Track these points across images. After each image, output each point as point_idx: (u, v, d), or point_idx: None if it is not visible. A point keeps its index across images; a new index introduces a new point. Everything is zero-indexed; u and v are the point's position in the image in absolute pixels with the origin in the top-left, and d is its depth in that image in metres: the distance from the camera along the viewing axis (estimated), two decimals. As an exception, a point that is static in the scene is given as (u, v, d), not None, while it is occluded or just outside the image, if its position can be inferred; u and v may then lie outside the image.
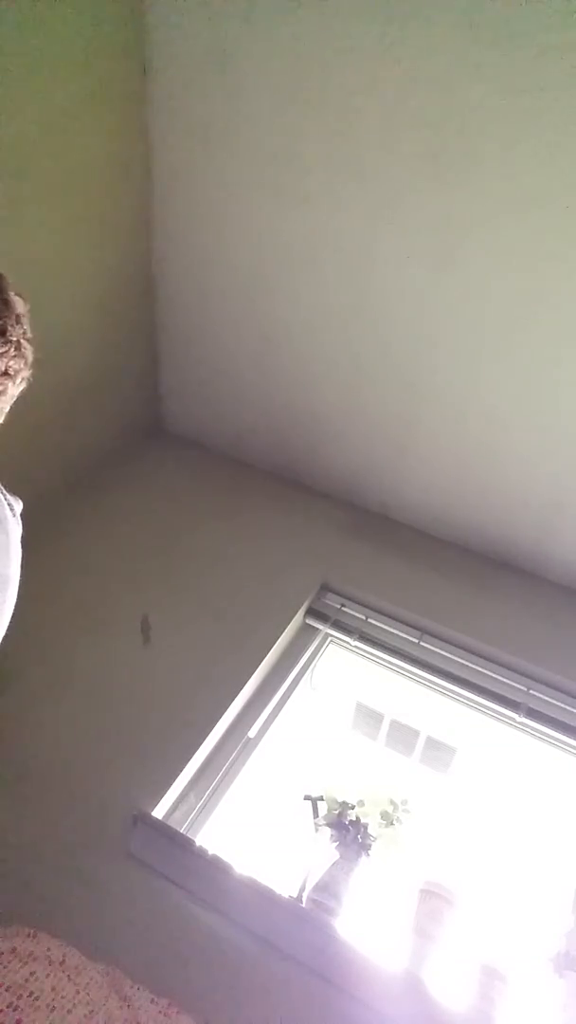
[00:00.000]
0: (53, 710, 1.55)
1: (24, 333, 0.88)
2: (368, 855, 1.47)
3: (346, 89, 1.53)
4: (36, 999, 1.05)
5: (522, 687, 1.77)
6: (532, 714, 1.73)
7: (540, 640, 1.82)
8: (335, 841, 1.48)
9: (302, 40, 1.51)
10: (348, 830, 1.48)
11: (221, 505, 2.14)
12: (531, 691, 1.76)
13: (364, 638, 1.86)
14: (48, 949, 1.12)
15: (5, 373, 0.87)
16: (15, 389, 0.90)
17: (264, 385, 2.11)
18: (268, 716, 1.70)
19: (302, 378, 2.03)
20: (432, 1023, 1.19)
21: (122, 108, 1.72)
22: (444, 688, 1.80)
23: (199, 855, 1.33)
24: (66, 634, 1.71)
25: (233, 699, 1.62)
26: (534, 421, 1.77)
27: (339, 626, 1.88)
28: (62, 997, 1.06)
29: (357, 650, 1.87)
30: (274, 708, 1.72)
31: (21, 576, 0.98)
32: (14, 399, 0.91)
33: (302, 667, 1.83)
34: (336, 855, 1.46)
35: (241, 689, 1.64)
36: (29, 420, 1.83)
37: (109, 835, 1.35)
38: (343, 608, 1.91)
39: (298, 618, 1.86)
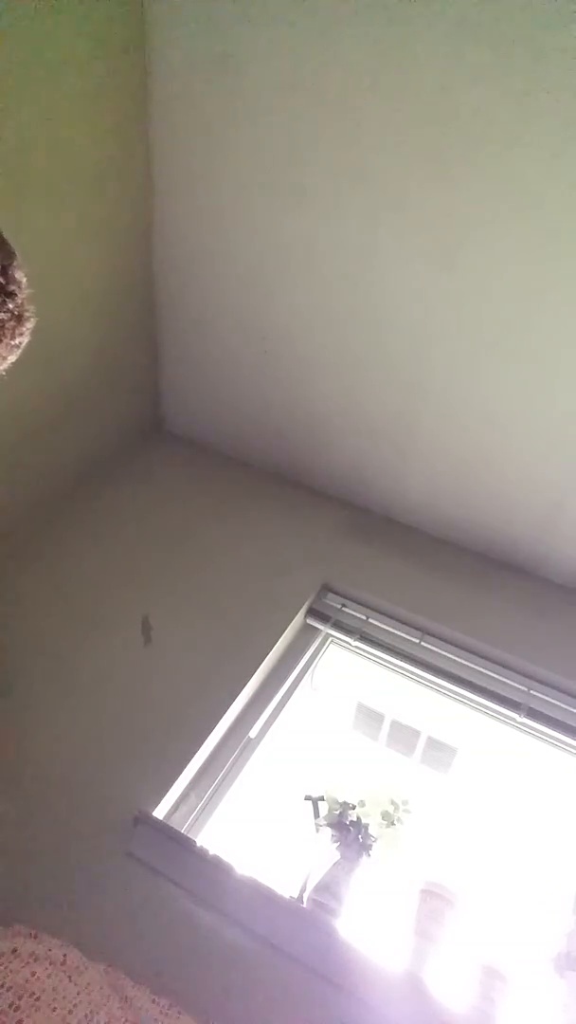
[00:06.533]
0: (54, 710, 1.55)
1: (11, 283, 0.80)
2: (369, 855, 1.47)
3: (347, 90, 1.53)
4: (37, 999, 1.05)
5: (523, 687, 1.77)
6: (533, 714, 1.73)
7: (541, 640, 1.82)
8: (336, 841, 1.48)
9: (302, 41, 1.51)
10: (349, 830, 1.48)
11: (221, 505, 2.14)
12: (532, 691, 1.76)
13: (365, 638, 1.86)
14: (49, 949, 1.12)
15: None
16: (4, 350, 0.83)
17: (264, 385, 2.11)
18: (269, 716, 1.70)
19: (302, 378, 2.03)
20: (433, 1023, 1.19)
21: (122, 108, 1.72)
22: (445, 688, 1.80)
23: (200, 855, 1.33)
24: (67, 634, 1.71)
25: (234, 699, 1.62)
26: (534, 421, 1.77)
27: (340, 626, 1.88)
28: (63, 997, 1.07)
29: (358, 650, 1.87)
30: (275, 708, 1.72)
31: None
32: (5, 361, 0.85)
33: (303, 667, 1.83)
34: (337, 855, 1.46)
35: (242, 689, 1.64)
36: (29, 420, 1.84)
37: (110, 835, 1.35)
38: (344, 608, 1.91)
39: (299, 618, 1.86)
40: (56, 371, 1.86)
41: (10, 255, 0.82)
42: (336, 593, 1.94)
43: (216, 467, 2.30)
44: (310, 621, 1.89)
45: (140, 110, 1.76)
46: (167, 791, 1.43)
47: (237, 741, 1.62)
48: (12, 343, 0.84)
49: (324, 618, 1.89)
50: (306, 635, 1.88)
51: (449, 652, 1.83)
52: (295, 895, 1.40)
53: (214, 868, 1.32)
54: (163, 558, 1.95)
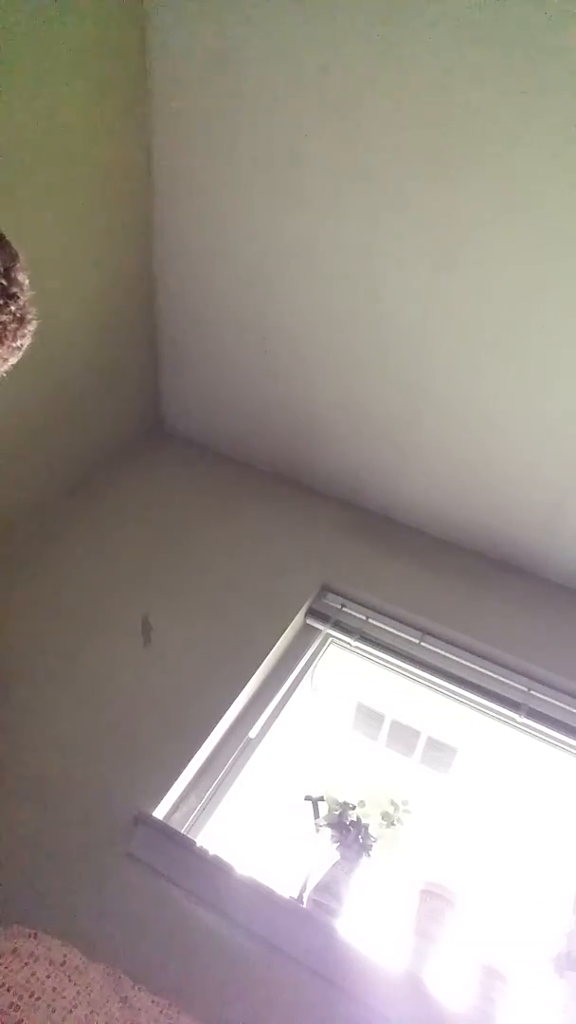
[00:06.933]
0: (54, 710, 1.55)
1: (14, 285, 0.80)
2: (369, 855, 1.47)
3: (347, 90, 1.53)
4: (37, 999, 1.05)
5: (522, 687, 1.77)
6: (532, 714, 1.73)
7: (540, 640, 1.82)
8: (336, 841, 1.48)
9: (302, 41, 1.51)
10: (349, 830, 1.48)
11: (221, 505, 2.14)
12: (531, 691, 1.76)
13: (365, 638, 1.86)
14: (49, 950, 1.12)
15: None
16: (5, 352, 0.83)
17: (264, 385, 2.11)
18: (269, 716, 1.70)
19: (302, 378, 2.03)
20: (433, 1023, 1.19)
21: (123, 109, 1.72)
22: (445, 688, 1.80)
23: (200, 855, 1.33)
24: (67, 635, 1.71)
25: (234, 699, 1.62)
26: (534, 421, 1.77)
27: (340, 626, 1.88)
28: (63, 997, 1.07)
29: (358, 650, 1.87)
30: (275, 708, 1.72)
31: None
32: (7, 363, 0.85)
33: (303, 668, 1.83)
34: (337, 855, 1.46)
35: (242, 689, 1.64)
36: (29, 420, 1.84)
37: (110, 836, 1.35)
38: (343, 608, 1.91)
39: (299, 618, 1.86)
40: (56, 371, 1.86)
41: (13, 257, 0.82)
42: (336, 593, 1.94)
43: (216, 467, 2.30)
44: (310, 621, 1.89)
45: (140, 110, 1.76)
46: (167, 791, 1.43)
47: (237, 741, 1.62)
48: (14, 345, 0.84)
49: (324, 618, 1.89)
50: (306, 635, 1.88)
51: (449, 652, 1.83)
52: (295, 895, 1.40)
53: (214, 868, 1.32)
54: (163, 558, 1.94)
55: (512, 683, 1.78)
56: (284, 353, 2.01)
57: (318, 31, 1.49)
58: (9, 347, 0.83)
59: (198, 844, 1.36)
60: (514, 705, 1.74)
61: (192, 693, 1.61)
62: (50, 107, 1.53)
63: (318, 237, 1.75)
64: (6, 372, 0.86)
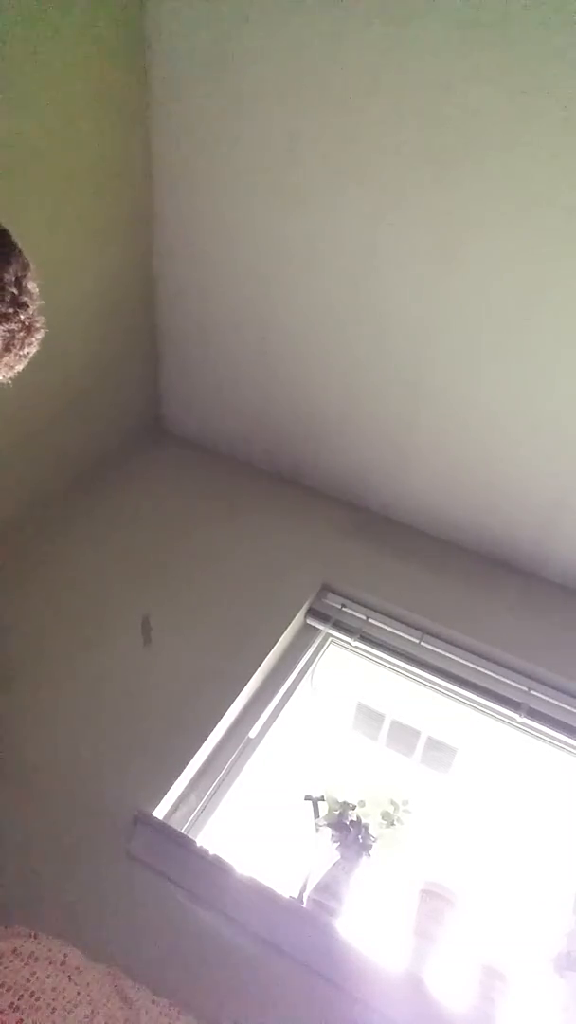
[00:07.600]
0: (53, 710, 1.55)
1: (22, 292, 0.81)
2: (369, 855, 1.47)
3: (346, 90, 1.53)
4: (37, 999, 1.05)
5: (522, 687, 1.77)
6: (533, 714, 1.73)
7: (540, 640, 1.82)
8: (336, 841, 1.48)
9: (302, 40, 1.51)
10: (349, 830, 1.48)
11: (221, 505, 2.14)
12: (531, 691, 1.76)
13: (365, 638, 1.86)
14: (49, 949, 1.12)
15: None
16: (12, 360, 0.85)
17: (264, 385, 2.11)
18: (269, 716, 1.70)
19: (302, 378, 2.03)
20: (433, 1023, 1.19)
21: (123, 109, 1.72)
22: (445, 688, 1.80)
23: (200, 855, 1.33)
24: (66, 635, 1.71)
25: (234, 699, 1.62)
26: (534, 421, 1.77)
27: (340, 626, 1.88)
28: (63, 997, 1.07)
29: (358, 650, 1.87)
30: (275, 708, 1.72)
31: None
32: (12, 370, 0.86)
33: (303, 667, 1.83)
34: (337, 855, 1.46)
35: (242, 689, 1.64)
36: (29, 420, 1.84)
37: (109, 835, 1.35)
38: (344, 608, 1.91)
39: (299, 618, 1.86)
40: (56, 372, 1.86)
41: (25, 267, 0.82)
42: (336, 593, 1.94)
43: (216, 467, 2.30)
44: (310, 621, 1.89)
45: (141, 111, 1.76)
46: (167, 791, 1.43)
47: (237, 741, 1.62)
48: (21, 353, 0.85)
49: (324, 618, 1.89)
50: (306, 635, 1.88)
51: (449, 652, 1.83)
52: (295, 895, 1.40)
53: (214, 868, 1.32)
54: (163, 558, 1.94)
55: (512, 683, 1.78)
56: (284, 353, 2.01)
57: (318, 31, 1.49)
58: (17, 355, 0.84)
59: (198, 844, 1.36)
60: (514, 705, 1.74)
61: (192, 693, 1.61)
62: (50, 107, 1.53)
63: (318, 237, 1.76)
64: (11, 379, 0.87)
